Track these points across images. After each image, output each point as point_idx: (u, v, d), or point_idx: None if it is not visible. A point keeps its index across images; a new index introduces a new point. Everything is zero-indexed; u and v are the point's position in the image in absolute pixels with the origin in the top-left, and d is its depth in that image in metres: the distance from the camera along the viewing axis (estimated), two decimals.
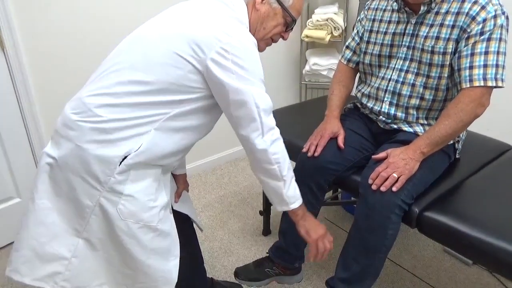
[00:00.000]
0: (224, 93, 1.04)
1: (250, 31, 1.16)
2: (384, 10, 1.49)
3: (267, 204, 2.08)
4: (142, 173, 1.07)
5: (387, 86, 1.46)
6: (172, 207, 1.38)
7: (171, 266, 1.17)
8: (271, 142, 1.10)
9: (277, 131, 1.12)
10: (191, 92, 1.05)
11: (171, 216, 1.20)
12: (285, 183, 1.16)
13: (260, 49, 1.23)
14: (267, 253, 1.64)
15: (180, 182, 1.45)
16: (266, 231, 2.14)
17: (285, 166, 1.14)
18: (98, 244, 1.10)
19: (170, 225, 1.17)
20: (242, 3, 1.14)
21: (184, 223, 1.49)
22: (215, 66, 1.01)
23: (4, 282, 1.82)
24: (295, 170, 1.51)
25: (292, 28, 1.23)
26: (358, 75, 1.67)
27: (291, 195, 1.19)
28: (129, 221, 1.06)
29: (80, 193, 1.05)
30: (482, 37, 1.24)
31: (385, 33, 1.47)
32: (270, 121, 1.10)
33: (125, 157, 1.02)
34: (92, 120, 1.02)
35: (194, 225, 1.56)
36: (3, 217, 1.98)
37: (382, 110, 1.48)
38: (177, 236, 1.20)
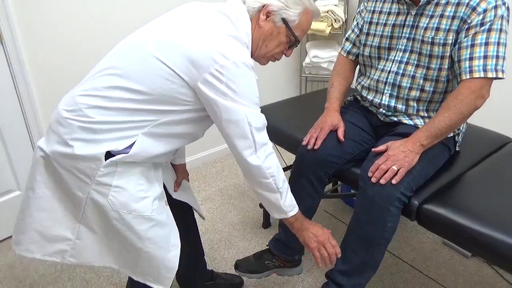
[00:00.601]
0: (216, 111, 1.05)
1: (252, 47, 1.15)
2: (384, 1, 1.48)
3: None
4: (129, 169, 1.08)
5: (387, 78, 1.45)
6: (171, 196, 1.39)
7: (171, 256, 1.18)
8: (264, 157, 1.10)
9: (270, 146, 1.12)
10: (182, 104, 1.06)
11: (167, 207, 1.21)
12: (281, 195, 1.16)
13: (262, 63, 1.24)
14: (267, 245, 1.65)
15: (179, 172, 1.46)
16: (266, 224, 2.15)
17: (280, 178, 1.15)
18: (98, 230, 1.13)
19: (166, 216, 1.18)
20: (246, 18, 1.13)
21: (184, 213, 1.50)
22: (206, 87, 1.01)
23: (6, 274, 1.83)
24: (295, 163, 1.51)
25: (296, 45, 1.22)
26: (358, 67, 1.66)
27: (288, 205, 1.19)
28: (121, 211, 1.08)
29: (72, 186, 1.07)
30: (483, 28, 1.23)
31: (385, 24, 1.46)
32: (263, 137, 1.10)
33: (110, 154, 1.04)
34: (82, 120, 1.03)
35: (196, 215, 1.56)
36: (3, 210, 1.99)
37: (382, 102, 1.47)
38: (176, 226, 1.21)
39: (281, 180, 1.15)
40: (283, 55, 1.24)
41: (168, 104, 1.05)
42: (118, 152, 1.05)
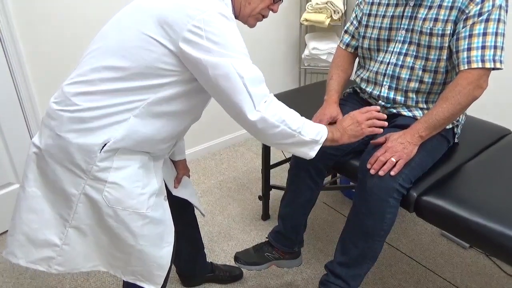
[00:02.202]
0: (203, 71, 0.97)
1: (235, 7, 1.11)
2: None
3: (266, 189, 2.09)
4: (126, 160, 1.05)
5: (386, 70, 1.45)
6: (171, 193, 1.38)
7: (164, 253, 1.15)
8: (265, 108, 1.02)
9: (270, 96, 1.04)
10: (168, 75, 1.00)
11: (166, 203, 1.18)
12: (300, 134, 1.08)
13: (250, 25, 1.18)
14: (266, 237, 1.65)
15: (179, 168, 1.44)
16: (265, 216, 2.15)
17: (291, 119, 1.06)
18: (88, 230, 1.09)
19: (162, 212, 1.15)
20: None
21: (184, 209, 1.50)
22: (188, 46, 0.95)
23: (6, 267, 1.84)
24: (293, 156, 1.52)
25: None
26: (357, 60, 1.65)
27: (313, 135, 1.11)
28: (116, 208, 1.04)
29: (65, 182, 1.04)
30: (481, 18, 1.23)
31: (384, 16, 1.45)
32: (261, 90, 1.01)
33: (105, 145, 1.01)
34: (70, 110, 1.00)
35: (196, 211, 1.56)
36: (3, 203, 2.00)
37: (381, 94, 1.47)
38: (172, 222, 1.19)
39: (293, 120, 1.06)
40: (271, 12, 1.17)
41: (153, 78, 0.99)
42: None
